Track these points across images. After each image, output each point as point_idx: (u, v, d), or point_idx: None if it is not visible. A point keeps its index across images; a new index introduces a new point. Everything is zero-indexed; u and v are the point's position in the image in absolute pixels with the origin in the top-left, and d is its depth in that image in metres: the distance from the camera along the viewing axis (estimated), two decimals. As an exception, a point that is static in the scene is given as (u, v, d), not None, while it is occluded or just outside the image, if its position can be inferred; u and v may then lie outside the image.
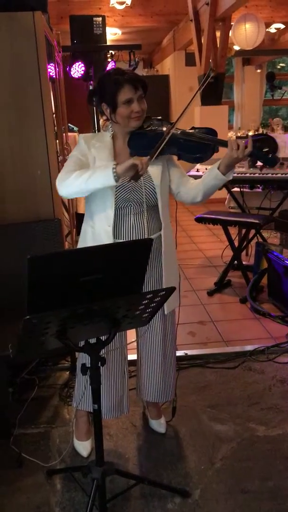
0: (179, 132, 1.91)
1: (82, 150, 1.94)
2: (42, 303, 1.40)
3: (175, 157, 2.01)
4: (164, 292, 1.53)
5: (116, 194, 1.89)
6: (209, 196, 2.00)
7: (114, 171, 1.73)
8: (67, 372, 2.80)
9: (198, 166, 4.22)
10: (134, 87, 1.83)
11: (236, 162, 1.84)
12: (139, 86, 1.85)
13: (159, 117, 1.98)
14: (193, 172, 4.23)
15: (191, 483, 1.99)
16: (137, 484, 1.92)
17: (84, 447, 2.19)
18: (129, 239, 1.93)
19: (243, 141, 1.82)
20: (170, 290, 1.54)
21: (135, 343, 2.20)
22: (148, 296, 1.51)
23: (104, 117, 1.98)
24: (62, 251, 2.33)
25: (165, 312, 2.08)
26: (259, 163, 4.11)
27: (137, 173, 1.74)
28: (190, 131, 1.94)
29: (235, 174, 4.13)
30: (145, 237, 1.93)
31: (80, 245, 2.05)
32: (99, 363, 1.62)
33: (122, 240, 1.94)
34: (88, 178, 1.78)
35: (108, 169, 1.74)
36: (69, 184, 1.82)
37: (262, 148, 1.88)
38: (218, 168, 1.87)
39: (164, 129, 1.90)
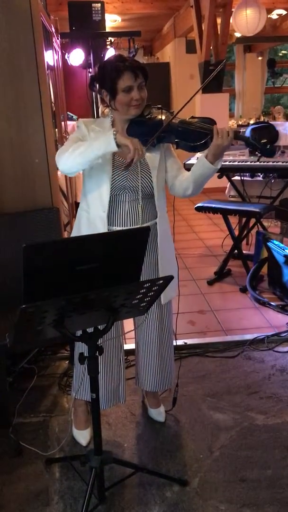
0: (177, 121, 1.89)
1: (82, 132, 1.92)
2: (38, 292, 1.39)
3: (172, 147, 1.99)
4: (162, 281, 1.52)
5: (112, 181, 1.87)
6: (200, 188, 1.97)
7: (115, 136, 1.72)
8: (66, 362, 2.80)
9: (198, 154, 4.18)
10: (134, 75, 1.80)
11: (221, 149, 1.82)
12: (140, 74, 1.82)
13: (159, 106, 1.95)
14: (193, 160, 4.20)
15: (189, 472, 1.99)
16: (135, 473, 1.92)
17: (83, 436, 2.20)
18: (123, 226, 1.93)
19: (226, 129, 1.79)
20: (168, 279, 1.53)
21: (134, 333, 2.19)
22: (145, 285, 1.50)
23: (105, 104, 1.95)
24: (58, 239, 2.32)
25: (162, 302, 2.07)
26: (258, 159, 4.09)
27: (130, 162, 1.74)
28: (189, 119, 1.91)
29: (236, 163, 4.14)
30: (140, 225, 1.92)
31: (75, 229, 2.04)
32: (97, 352, 1.61)
33: (116, 227, 1.93)
34: (88, 146, 1.76)
35: (109, 134, 1.73)
36: (68, 156, 1.79)
37: (260, 139, 1.85)
38: (206, 157, 1.85)
39: (163, 117, 1.88)
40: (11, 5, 2.37)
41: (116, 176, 1.88)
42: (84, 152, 1.76)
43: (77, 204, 4.67)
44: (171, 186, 2.03)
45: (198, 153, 4.07)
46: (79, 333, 1.61)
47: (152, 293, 1.55)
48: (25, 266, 1.34)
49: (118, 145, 1.72)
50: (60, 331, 1.46)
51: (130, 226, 1.93)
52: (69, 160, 1.80)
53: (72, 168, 1.84)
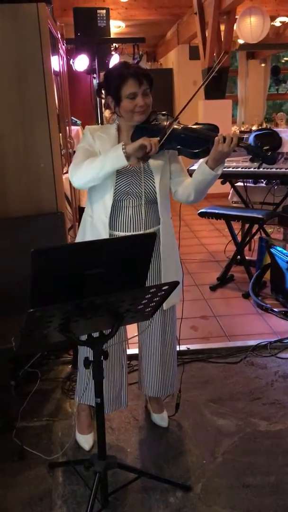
0: (180, 128, 1.90)
1: (88, 141, 1.94)
2: (45, 296, 1.40)
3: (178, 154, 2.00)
4: (167, 287, 1.53)
5: (115, 186, 1.89)
6: (202, 194, 1.96)
7: (124, 151, 1.75)
8: (70, 366, 2.80)
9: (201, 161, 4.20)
10: (139, 81, 1.82)
11: (222, 156, 1.80)
12: (144, 81, 1.83)
13: (164, 112, 1.97)
14: (196, 166, 4.21)
15: (193, 477, 1.99)
16: (138, 478, 1.93)
17: (86, 440, 2.20)
18: (126, 232, 1.94)
19: (230, 135, 1.80)
20: (173, 285, 1.53)
21: (137, 338, 2.20)
22: (151, 290, 1.51)
23: (111, 111, 1.97)
24: (66, 245, 2.33)
25: (164, 308, 2.07)
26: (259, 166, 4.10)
27: (146, 154, 1.77)
28: (192, 126, 1.93)
29: (239, 169, 4.15)
30: (142, 230, 1.94)
31: (79, 234, 2.06)
32: (102, 357, 1.62)
33: (119, 232, 1.94)
34: (100, 163, 1.80)
35: (118, 149, 1.76)
36: (82, 173, 1.84)
37: (263, 146, 1.86)
38: (206, 163, 1.86)
39: (168, 123, 1.89)
40: (19, 12, 2.40)
41: (120, 182, 1.90)
42: (98, 169, 1.80)
43: (80, 209, 4.70)
44: (175, 193, 2.03)
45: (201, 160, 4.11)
46: (84, 337, 1.62)
47: (158, 298, 1.56)
48: (32, 271, 1.35)
49: (128, 158, 1.76)
50: (65, 335, 1.47)
51: (132, 231, 1.94)
52: (83, 177, 1.85)
53: (86, 184, 1.89)
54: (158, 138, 1.80)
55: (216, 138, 1.78)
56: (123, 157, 1.75)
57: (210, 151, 1.83)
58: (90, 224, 1.99)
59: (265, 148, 1.85)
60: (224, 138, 1.76)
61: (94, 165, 1.81)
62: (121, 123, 1.96)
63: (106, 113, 5.41)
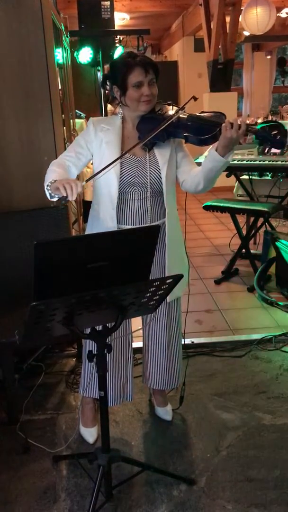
0: (186, 116, 1.88)
1: (87, 135, 1.93)
2: (49, 289, 1.39)
3: (184, 143, 1.98)
4: (171, 280, 1.52)
5: (120, 178, 1.87)
6: (211, 182, 1.92)
7: (48, 188, 1.72)
8: (74, 359, 2.80)
9: (206, 153, 4.17)
10: (145, 71, 1.80)
11: (231, 142, 1.76)
12: (150, 70, 1.82)
13: (169, 102, 1.95)
14: (201, 159, 4.18)
15: (197, 471, 1.99)
16: (142, 471, 1.93)
17: (90, 433, 2.20)
18: (132, 224, 1.93)
19: (238, 120, 1.77)
20: (177, 278, 1.52)
21: (141, 331, 2.19)
22: (155, 284, 1.50)
23: (115, 102, 1.95)
24: (69, 238, 2.32)
25: (168, 300, 2.06)
26: (267, 150, 4.06)
27: (64, 198, 1.65)
28: (198, 114, 1.91)
29: (245, 162, 4.12)
30: (148, 223, 1.92)
31: (88, 228, 2.05)
32: (106, 350, 1.61)
33: (125, 225, 1.93)
34: (46, 178, 1.78)
35: (47, 181, 1.73)
36: (46, 173, 1.84)
37: (271, 131, 1.84)
38: (216, 150, 1.83)
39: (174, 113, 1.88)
40: (22, 3, 2.37)
41: (125, 173, 1.88)
42: (44, 182, 1.78)
43: (84, 202, 4.68)
44: (183, 182, 1.99)
45: (207, 151, 4.08)
46: (87, 331, 1.61)
47: (161, 291, 1.55)
48: (36, 264, 1.34)
49: (54, 194, 1.70)
50: (69, 328, 1.46)
51: (139, 224, 1.93)
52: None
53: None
54: (79, 181, 1.72)
55: (223, 124, 1.76)
56: (48, 194, 1.74)
57: (218, 137, 1.81)
58: (97, 219, 1.98)
59: (273, 132, 1.82)
60: (232, 124, 1.74)
61: (48, 174, 1.80)
62: (126, 114, 1.94)
63: (109, 107, 5.38)
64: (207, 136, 1.83)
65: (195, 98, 1.82)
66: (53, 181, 1.71)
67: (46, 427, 2.27)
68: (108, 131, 1.91)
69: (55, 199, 1.72)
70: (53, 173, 1.80)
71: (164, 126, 1.82)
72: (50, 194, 1.72)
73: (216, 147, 1.82)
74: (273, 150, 4.05)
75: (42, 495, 1.90)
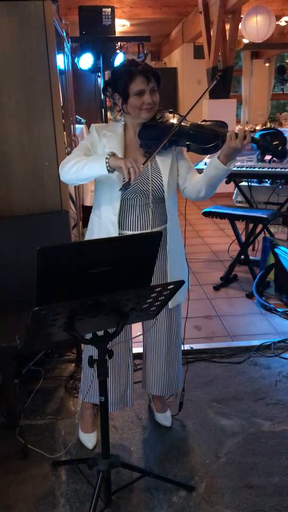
0: (189, 124, 1.90)
1: (93, 139, 1.94)
2: (51, 294, 1.39)
3: (185, 151, 1.99)
4: (172, 286, 1.52)
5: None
6: (213, 190, 1.95)
7: (107, 161, 1.73)
8: (73, 364, 2.80)
9: (206, 159, 4.19)
10: (147, 79, 1.82)
11: (234, 152, 1.79)
12: (152, 78, 1.83)
13: (171, 110, 1.97)
14: (201, 165, 4.20)
15: (196, 477, 1.99)
16: (142, 477, 1.92)
17: (89, 439, 2.20)
18: (134, 230, 1.93)
19: (243, 131, 1.79)
20: (179, 284, 1.53)
21: (141, 337, 2.19)
22: (156, 289, 1.51)
23: (117, 109, 1.96)
24: (71, 243, 2.34)
25: (169, 307, 2.07)
26: (267, 157, 4.07)
27: (128, 180, 1.71)
28: (200, 123, 1.92)
29: (244, 168, 4.14)
30: (150, 229, 1.93)
31: (88, 234, 2.06)
32: (107, 355, 1.62)
33: (126, 231, 1.94)
34: (84, 165, 1.80)
35: (102, 158, 1.75)
36: (68, 170, 1.85)
37: (272, 141, 1.86)
38: (218, 158, 1.85)
39: (175, 121, 1.89)
40: (25, 9, 2.39)
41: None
42: (82, 170, 1.80)
43: (84, 208, 4.70)
44: (184, 189, 2.01)
45: (207, 158, 4.09)
46: (88, 336, 1.61)
47: (163, 297, 1.56)
48: (38, 269, 1.34)
49: (112, 169, 1.74)
50: (70, 333, 1.46)
51: (140, 230, 1.93)
52: (68, 174, 1.85)
53: (71, 181, 1.91)
54: (143, 163, 1.78)
55: (228, 134, 1.77)
56: (104, 167, 1.74)
57: (219, 147, 1.83)
58: (98, 224, 1.98)
59: (275, 143, 1.84)
60: (236, 134, 1.76)
61: (78, 165, 1.81)
62: (128, 121, 1.95)
63: (109, 114, 5.41)
64: (210, 145, 1.85)
65: (218, 76, 1.85)
66: (111, 153, 1.73)
67: (45, 432, 2.27)
68: (110, 137, 1.92)
69: (113, 174, 1.76)
70: (83, 159, 1.82)
71: (169, 137, 1.83)
72: (107, 168, 1.73)
73: (219, 155, 1.83)
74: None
75: (41, 500, 1.89)
